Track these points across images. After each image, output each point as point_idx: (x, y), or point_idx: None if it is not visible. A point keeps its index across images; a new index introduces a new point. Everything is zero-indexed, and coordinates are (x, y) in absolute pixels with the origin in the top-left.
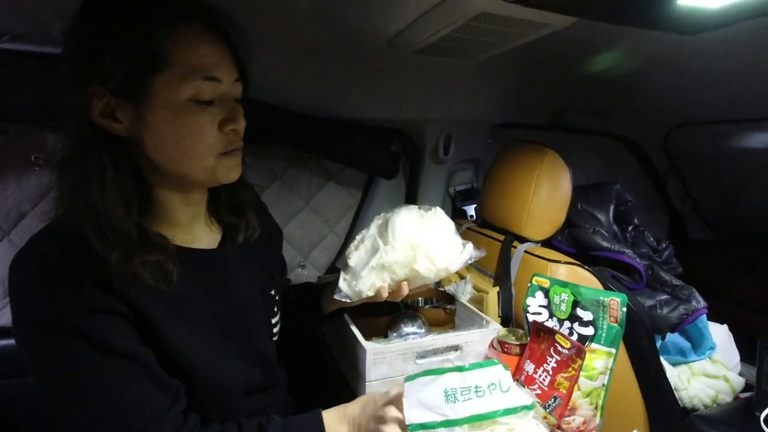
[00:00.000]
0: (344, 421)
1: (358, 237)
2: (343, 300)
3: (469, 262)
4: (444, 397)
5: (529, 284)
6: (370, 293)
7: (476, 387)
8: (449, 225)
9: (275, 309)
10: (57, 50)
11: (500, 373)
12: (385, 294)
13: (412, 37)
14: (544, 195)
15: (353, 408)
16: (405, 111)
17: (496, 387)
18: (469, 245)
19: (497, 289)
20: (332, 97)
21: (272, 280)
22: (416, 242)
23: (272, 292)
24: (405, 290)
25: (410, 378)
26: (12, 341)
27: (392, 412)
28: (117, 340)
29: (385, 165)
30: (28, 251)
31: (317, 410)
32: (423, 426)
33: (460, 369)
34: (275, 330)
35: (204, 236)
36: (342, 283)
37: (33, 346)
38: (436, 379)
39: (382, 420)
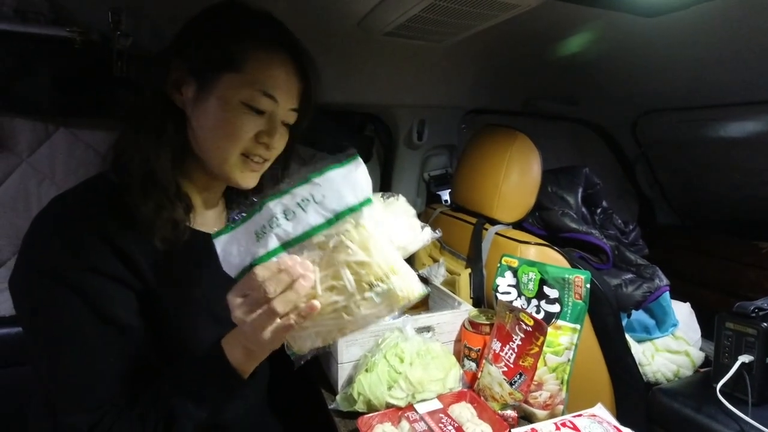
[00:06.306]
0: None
1: None
2: None
3: (428, 243)
4: (255, 237)
5: (499, 264)
6: None
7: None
8: (409, 210)
9: None
10: (7, 27)
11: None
12: None
13: (381, 18)
14: (515, 178)
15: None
16: (378, 96)
17: (309, 201)
18: (427, 228)
19: (469, 271)
20: None
21: None
22: None
23: None
24: None
25: (218, 234)
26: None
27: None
28: (114, 308)
29: (358, 149)
30: (48, 208)
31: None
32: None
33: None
34: None
35: (211, 223)
36: None
37: (31, 295)
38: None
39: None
